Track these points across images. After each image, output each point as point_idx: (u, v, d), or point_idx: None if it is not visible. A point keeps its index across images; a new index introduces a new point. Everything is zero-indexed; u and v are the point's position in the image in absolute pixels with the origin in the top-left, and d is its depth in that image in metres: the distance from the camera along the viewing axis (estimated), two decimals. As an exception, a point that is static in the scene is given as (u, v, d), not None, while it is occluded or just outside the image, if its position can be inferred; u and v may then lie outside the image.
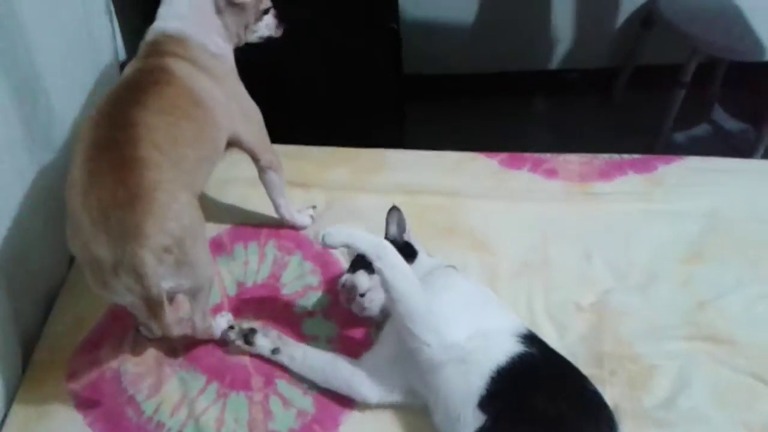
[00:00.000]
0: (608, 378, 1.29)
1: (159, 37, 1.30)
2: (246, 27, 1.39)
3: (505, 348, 1.16)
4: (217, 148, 1.31)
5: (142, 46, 1.31)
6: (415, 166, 1.69)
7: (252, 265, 1.47)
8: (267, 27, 1.44)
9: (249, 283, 1.44)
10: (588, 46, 2.92)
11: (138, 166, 1.09)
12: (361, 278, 1.28)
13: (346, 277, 1.30)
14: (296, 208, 1.53)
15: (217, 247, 1.50)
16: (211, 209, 1.53)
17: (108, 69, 1.62)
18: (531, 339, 1.21)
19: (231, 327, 1.31)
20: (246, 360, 1.31)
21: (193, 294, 1.21)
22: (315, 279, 1.45)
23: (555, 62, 2.97)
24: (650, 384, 1.29)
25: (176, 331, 1.15)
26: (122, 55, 1.71)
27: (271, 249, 1.50)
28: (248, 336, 1.30)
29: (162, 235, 1.07)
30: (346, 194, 1.61)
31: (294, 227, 1.53)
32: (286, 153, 1.55)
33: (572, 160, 1.71)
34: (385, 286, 1.18)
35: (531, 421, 1.09)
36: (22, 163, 1.31)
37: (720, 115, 2.93)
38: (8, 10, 1.25)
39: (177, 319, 1.19)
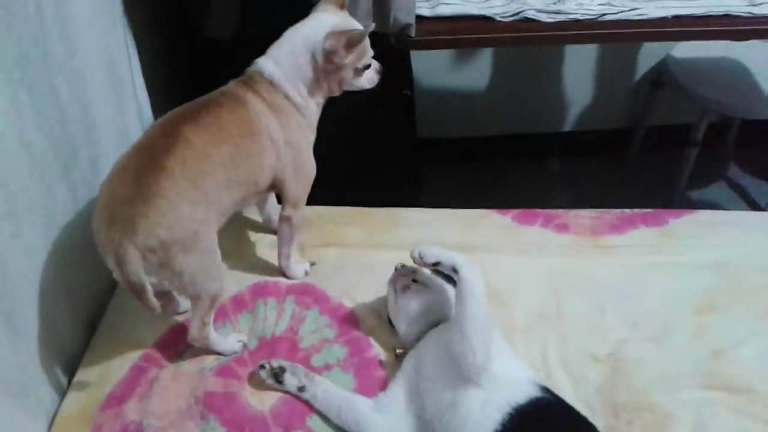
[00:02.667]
0: (625, 428, 1.30)
1: (255, 74, 1.41)
2: (340, 84, 1.47)
3: (525, 389, 1.21)
4: (255, 180, 1.41)
5: (245, 72, 1.43)
6: (429, 223, 1.74)
7: (270, 319, 1.51)
8: (369, 81, 1.51)
9: (268, 337, 1.48)
10: (601, 107, 2.99)
11: (157, 173, 1.23)
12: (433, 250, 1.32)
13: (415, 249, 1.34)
14: (295, 259, 1.60)
15: (239, 304, 1.55)
16: (236, 268, 1.61)
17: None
18: (547, 390, 1.25)
19: (262, 366, 1.37)
20: (265, 410, 1.34)
21: (190, 299, 1.34)
22: (332, 333, 1.48)
23: (568, 124, 3.04)
24: (667, 433, 1.29)
25: (159, 311, 1.27)
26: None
27: (290, 304, 1.54)
28: (278, 375, 1.35)
29: (150, 238, 1.21)
30: (360, 251, 1.66)
31: (286, 276, 1.60)
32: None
33: (583, 215, 1.75)
34: (464, 291, 1.23)
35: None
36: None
37: (735, 172, 2.96)
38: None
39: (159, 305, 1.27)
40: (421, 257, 1.30)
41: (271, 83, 1.40)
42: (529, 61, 2.82)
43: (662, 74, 2.73)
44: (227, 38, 1.70)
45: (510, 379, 1.24)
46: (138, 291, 1.22)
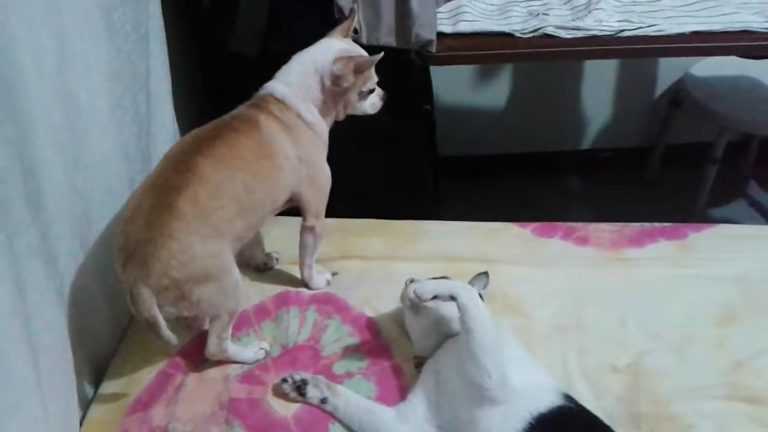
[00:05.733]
0: (646, 438, 1.30)
1: (266, 96, 1.46)
2: (345, 106, 1.51)
3: (547, 398, 1.22)
4: (272, 200, 1.44)
5: (253, 96, 1.47)
6: (449, 236, 1.76)
7: (293, 328, 1.53)
8: (372, 107, 1.55)
9: (290, 345, 1.50)
10: (620, 125, 3.00)
11: (168, 214, 1.26)
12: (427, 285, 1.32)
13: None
14: (317, 270, 1.62)
15: (263, 312, 1.57)
16: (259, 280, 1.65)
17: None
18: (570, 398, 1.26)
19: (284, 380, 1.38)
20: (289, 416, 1.35)
21: (212, 318, 1.38)
22: (354, 341, 1.50)
23: (587, 142, 3.05)
24: (688, 444, 1.29)
25: (175, 343, 1.32)
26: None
27: (312, 313, 1.56)
28: (300, 387, 1.36)
29: (163, 278, 1.25)
30: (381, 262, 1.68)
31: (309, 286, 1.63)
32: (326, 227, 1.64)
33: (603, 229, 1.76)
34: (465, 318, 1.23)
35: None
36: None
37: (755, 190, 2.95)
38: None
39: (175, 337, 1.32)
40: (418, 296, 1.29)
41: (282, 103, 1.44)
42: (549, 80, 2.85)
43: (680, 93, 2.75)
44: (252, 54, 1.75)
45: (531, 389, 1.24)
46: (152, 327, 1.27)
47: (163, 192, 1.29)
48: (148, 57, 1.50)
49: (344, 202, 1.80)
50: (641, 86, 2.92)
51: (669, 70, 2.83)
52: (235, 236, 1.38)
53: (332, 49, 1.46)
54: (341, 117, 1.54)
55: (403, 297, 1.45)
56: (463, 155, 2.93)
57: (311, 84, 1.45)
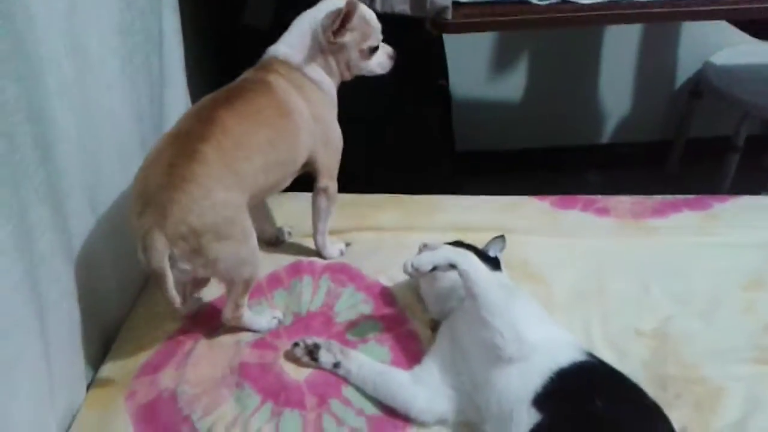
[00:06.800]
0: (673, 401, 1.24)
1: (270, 59, 1.45)
2: (348, 65, 1.49)
3: (568, 353, 1.17)
4: (294, 159, 1.42)
5: (257, 63, 1.46)
6: (467, 209, 1.73)
7: (306, 296, 1.49)
8: (379, 66, 1.52)
9: (303, 313, 1.46)
10: (639, 119, 2.96)
11: (191, 158, 1.21)
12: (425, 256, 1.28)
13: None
14: (331, 239, 1.59)
15: (275, 281, 1.54)
16: (272, 251, 1.62)
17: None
18: (592, 355, 1.21)
19: (296, 344, 1.34)
20: (301, 380, 1.31)
21: (225, 283, 1.32)
22: (368, 308, 1.46)
23: (606, 136, 3.01)
24: (718, 406, 1.23)
25: (179, 305, 1.23)
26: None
27: (325, 281, 1.53)
28: (313, 352, 1.32)
29: (180, 225, 1.18)
30: (397, 233, 1.65)
31: (322, 255, 1.59)
32: (341, 201, 1.60)
33: (624, 200, 1.72)
34: (468, 283, 1.20)
35: (588, 423, 1.05)
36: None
37: (777, 183, 2.89)
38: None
39: (182, 296, 1.27)
40: (416, 269, 1.24)
41: (286, 63, 1.44)
42: (566, 73, 2.82)
43: (701, 82, 2.71)
44: (264, 27, 1.73)
45: (550, 345, 1.19)
46: (159, 280, 1.19)
47: (185, 140, 1.25)
48: (161, 20, 1.49)
49: (358, 180, 1.78)
50: (660, 78, 2.88)
51: (688, 60, 2.80)
52: (256, 194, 1.35)
53: (328, 6, 1.45)
54: (347, 76, 1.51)
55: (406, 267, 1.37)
56: (479, 150, 2.89)
57: (308, 42, 1.44)
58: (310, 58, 1.45)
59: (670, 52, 2.81)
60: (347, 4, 1.39)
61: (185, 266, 1.23)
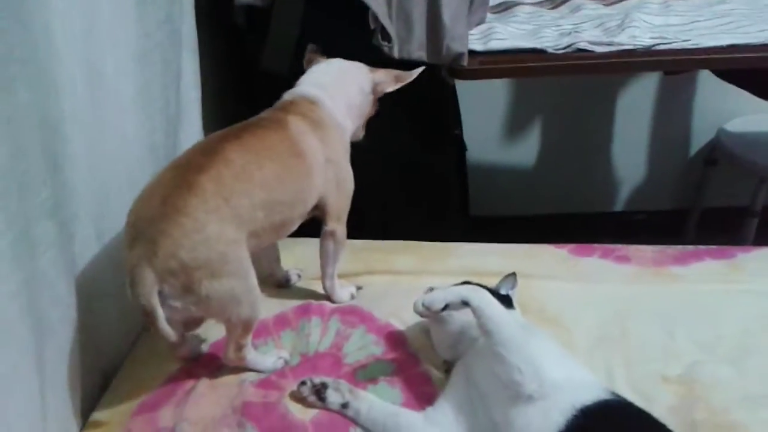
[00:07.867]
0: (704, 447, 1.16)
1: (296, 98, 1.43)
2: (364, 114, 1.53)
3: (592, 392, 1.11)
4: (303, 201, 1.37)
5: (277, 103, 1.44)
6: (482, 254, 1.68)
7: (314, 336, 1.43)
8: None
9: (311, 353, 1.40)
10: (653, 187, 2.94)
11: (187, 189, 1.15)
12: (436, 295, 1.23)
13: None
14: (340, 283, 1.54)
15: (283, 322, 1.48)
16: (279, 293, 1.57)
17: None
18: (616, 395, 1.15)
19: (303, 383, 1.27)
20: (307, 420, 1.24)
21: (223, 323, 1.25)
22: (378, 349, 1.39)
23: (620, 204, 2.99)
24: (752, 453, 1.15)
25: (174, 339, 1.18)
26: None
27: (335, 322, 1.47)
28: (320, 391, 1.25)
29: (170, 260, 1.12)
30: (410, 277, 1.60)
31: (332, 300, 1.53)
32: (353, 246, 1.57)
33: (644, 249, 1.68)
34: (482, 320, 1.14)
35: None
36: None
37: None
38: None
39: (176, 334, 1.19)
40: (428, 307, 1.20)
41: (315, 104, 1.42)
42: (579, 139, 2.82)
43: (716, 149, 2.70)
44: (283, 72, 1.74)
45: (573, 384, 1.13)
46: (148, 316, 1.13)
47: (184, 171, 1.20)
48: (180, 57, 1.50)
49: (372, 228, 1.75)
50: (674, 145, 2.88)
51: (703, 128, 2.80)
52: (255, 232, 1.26)
53: (356, 65, 1.51)
54: (360, 134, 1.53)
55: (416, 306, 1.30)
56: (492, 215, 2.86)
57: (349, 89, 1.47)
58: (344, 102, 1.46)
59: (684, 120, 2.82)
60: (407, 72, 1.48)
61: (176, 304, 1.16)
